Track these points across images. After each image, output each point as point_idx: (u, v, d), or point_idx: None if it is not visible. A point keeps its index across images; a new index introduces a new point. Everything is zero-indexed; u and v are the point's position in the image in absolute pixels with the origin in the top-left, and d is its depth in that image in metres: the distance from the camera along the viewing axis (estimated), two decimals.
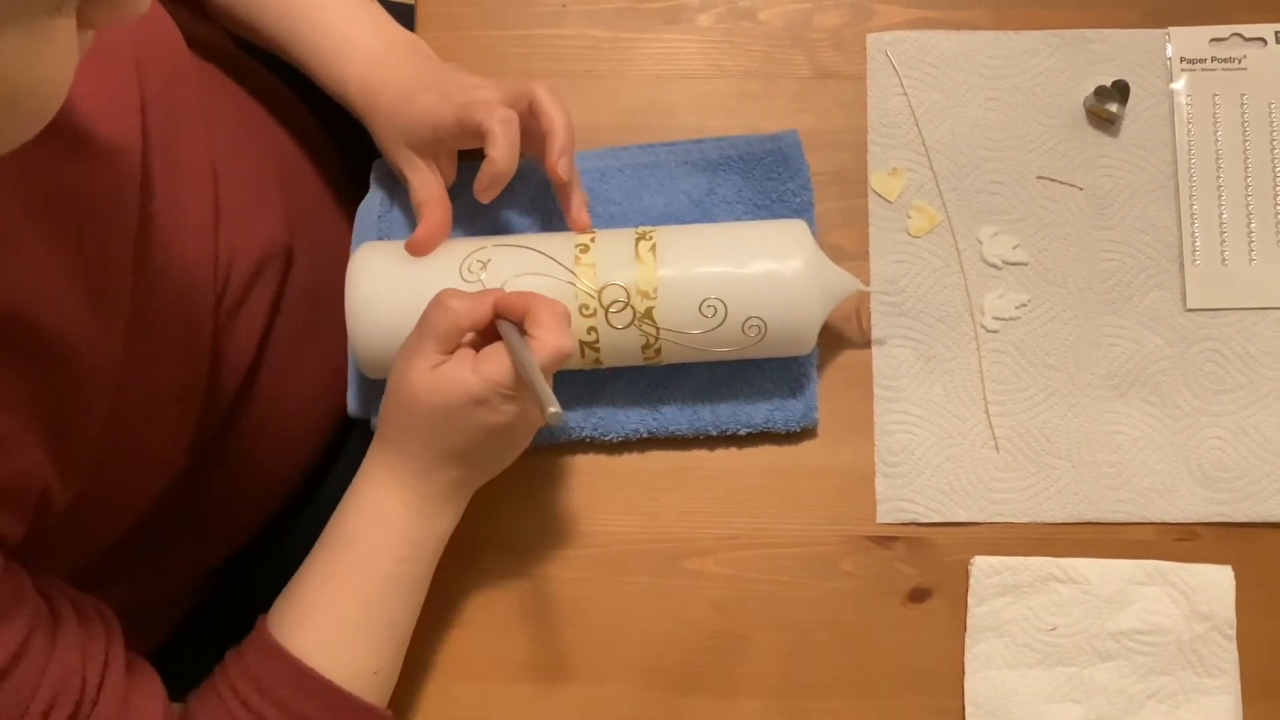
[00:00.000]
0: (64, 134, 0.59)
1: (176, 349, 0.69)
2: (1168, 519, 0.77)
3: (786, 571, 0.77)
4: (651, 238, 0.71)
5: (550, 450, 0.78)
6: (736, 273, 0.70)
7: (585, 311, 0.69)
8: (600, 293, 0.69)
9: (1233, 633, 0.76)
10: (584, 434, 0.77)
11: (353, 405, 0.77)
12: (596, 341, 0.70)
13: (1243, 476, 0.77)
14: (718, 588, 0.77)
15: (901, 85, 0.82)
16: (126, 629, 0.64)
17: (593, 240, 0.71)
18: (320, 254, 0.83)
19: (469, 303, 0.65)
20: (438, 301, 0.65)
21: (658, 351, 0.72)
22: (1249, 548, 0.77)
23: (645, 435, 0.77)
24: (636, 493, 0.78)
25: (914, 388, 0.79)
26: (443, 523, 0.69)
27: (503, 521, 0.78)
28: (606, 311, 0.69)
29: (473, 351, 0.65)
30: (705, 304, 0.70)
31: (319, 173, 0.87)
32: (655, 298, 0.69)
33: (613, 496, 0.78)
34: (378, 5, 0.78)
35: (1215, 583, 0.76)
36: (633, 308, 0.69)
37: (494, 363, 0.63)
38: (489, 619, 0.77)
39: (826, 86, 0.82)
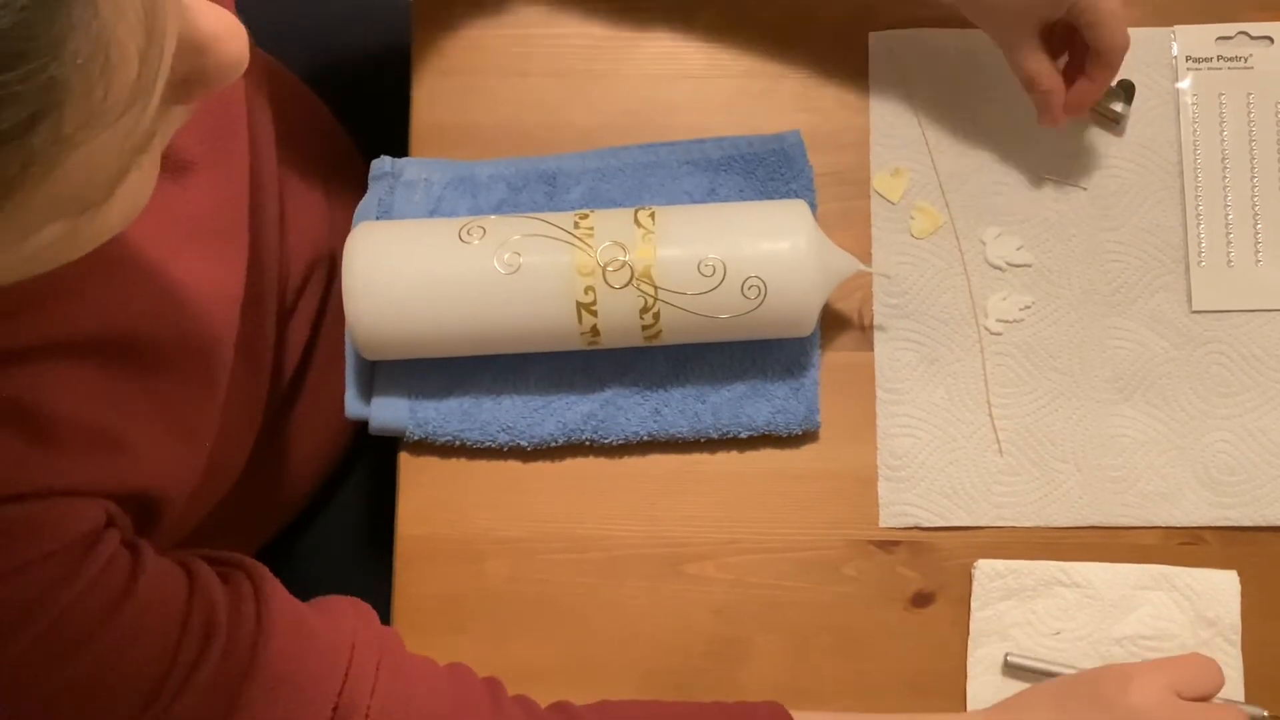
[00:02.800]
0: (173, 162, 0.58)
1: (250, 348, 0.69)
2: (1173, 523, 0.77)
3: (788, 576, 0.77)
4: (650, 209, 0.71)
5: (551, 454, 0.78)
6: (736, 236, 0.70)
7: (583, 270, 0.69)
8: (598, 252, 0.69)
9: (1237, 638, 0.75)
10: (584, 436, 0.76)
11: (351, 407, 0.76)
12: (594, 303, 0.69)
13: (1248, 480, 0.77)
14: (719, 592, 0.77)
15: (904, 85, 0.81)
16: None
17: (592, 211, 0.71)
18: None
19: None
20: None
21: (656, 317, 0.70)
22: (1255, 552, 0.76)
23: (646, 438, 0.77)
24: (637, 497, 0.78)
25: (917, 391, 0.78)
26: None
27: (504, 526, 0.77)
28: (604, 270, 0.69)
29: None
30: (704, 264, 0.69)
31: (349, 175, 0.87)
32: (654, 258, 0.69)
33: (613, 500, 0.78)
34: None
35: (1220, 587, 0.76)
36: (630, 266, 0.69)
37: None
38: (489, 624, 0.77)
39: (828, 86, 0.81)
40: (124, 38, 0.33)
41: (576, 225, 0.70)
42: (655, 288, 0.69)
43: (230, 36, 0.40)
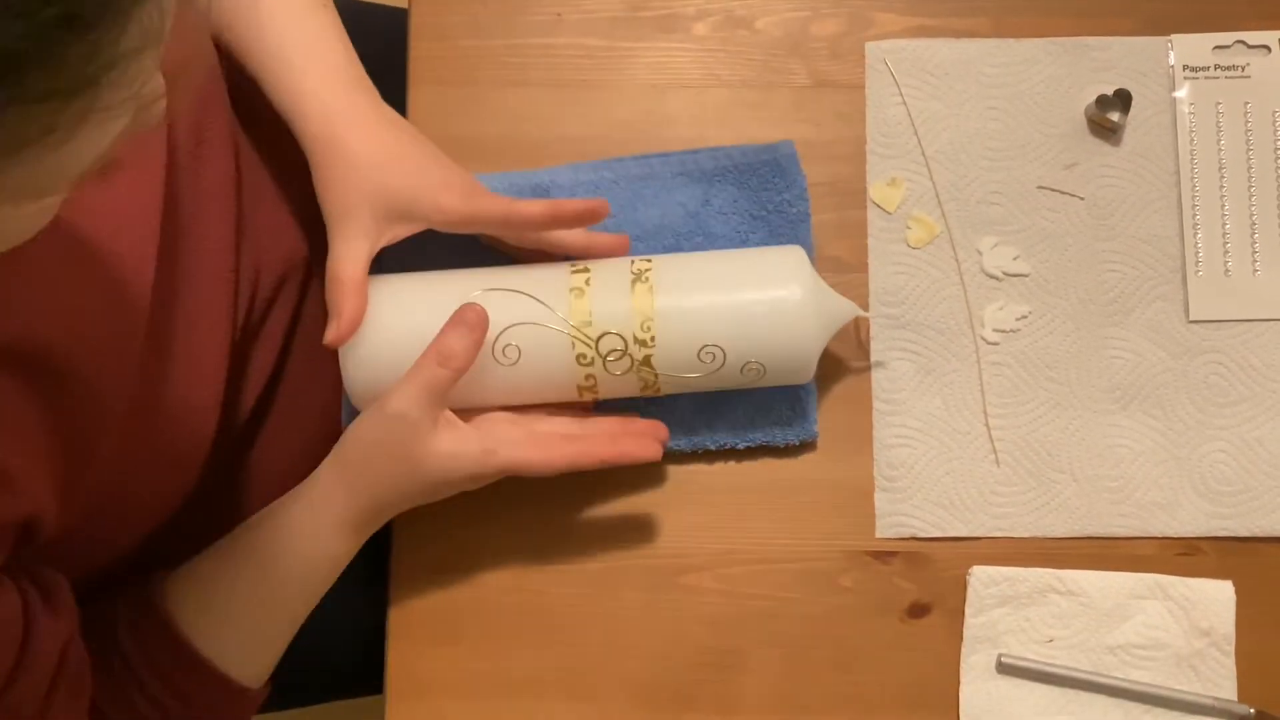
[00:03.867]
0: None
1: (192, 368, 0.68)
2: (1170, 533, 0.77)
3: (784, 587, 0.77)
4: (648, 278, 0.69)
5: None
6: (734, 317, 0.69)
7: (583, 360, 0.69)
8: (597, 342, 0.68)
9: (1231, 649, 0.75)
10: None
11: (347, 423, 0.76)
12: (595, 386, 0.70)
13: (1245, 490, 0.77)
14: (715, 604, 0.77)
15: (900, 94, 0.81)
16: None
17: (587, 282, 0.70)
18: None
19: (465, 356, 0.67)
20: (440, 356, 0.66)
21: (657, 391, 0.72)
22: (1251, 562, 0.76)
23: None
24: (633, 508, 0.77)
25: (913, 401, 0.78)
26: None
27: (497, 537, 0.77)
28: (604, 360, 0.69)
29: (491, 425, 0.70)
30: (704, 350, 0.69)
31: None
32: (653, 346, 0.69)
33: (609, 511, 0.77)
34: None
35: (1215, 598, 0.75)
36: (630, 356, 0.69)
37: (521, 453, 0.68)
38: (483, 635, 0.76)
39: (824, 96, 0.81)
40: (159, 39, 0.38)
41: (572, 308, 0.68)
42: (656, 374, 0.70)
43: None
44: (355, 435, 0.69)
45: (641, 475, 0.77)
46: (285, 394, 0.79)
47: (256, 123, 0.81)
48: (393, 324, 0.69)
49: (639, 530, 0.77)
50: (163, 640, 0.66)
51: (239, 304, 0.73)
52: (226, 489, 0.78)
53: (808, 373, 0.72)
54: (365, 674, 0.83)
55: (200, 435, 0.70)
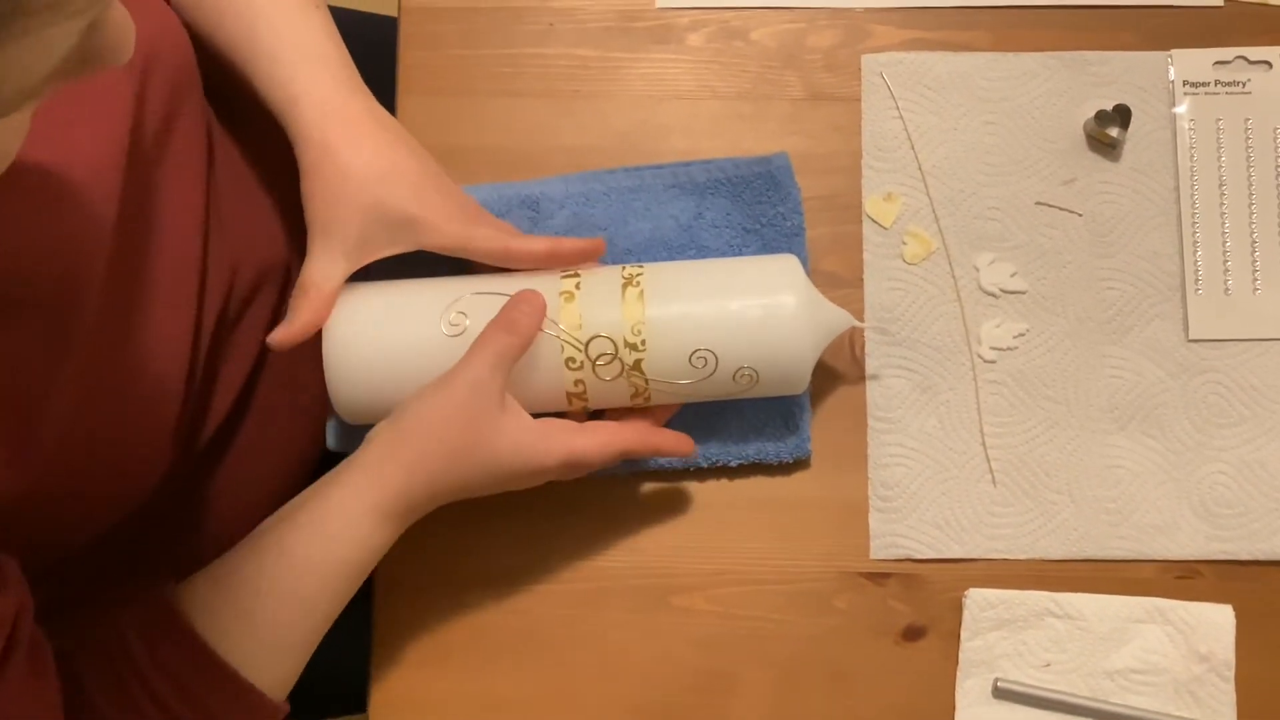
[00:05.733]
0: (47, 124, 0.57)
1: (150, 360, 0.66)
2: (1169, 556, 0.75)
3: (777, 609, 0.75)
4: (639, 283, 0.68)
5: None
6: (727, 322, 0.68)
7: (572, 365, 0.67)
8: (587, 346, 0.67)
9: (1231, 674, 0.74)
10: None
11: (332, 439, 0.75)
12: (584, 393, 0.68)
13: (1246, 513, 0.76)
14: (706, 625, 0.75)
15: (897, 108, 0.80)
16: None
17: (578, 286, 0.68)
18: None
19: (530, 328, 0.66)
20: (508, 323, 0.65)
21: (647, 399, 0.70)
22: (1251, 586, 0.75)
23: (635, 470, 0.75)
24: (623, 526, 0.76)
25: (909, 419, 0.77)
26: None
27: (486, 555, 0.76)
28: (594, 365, 0.67)
29: (542, 418, 0.67)
30: (695, 355, 0.67)
31: None
32: (644, 350, 0.67)
33: (599, 530, 0.76)
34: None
35: (1215, 622, 0.74)
36: (620, 360, 0.67)
37: (578, 440, 0.67)
38: (471, 655, 0.75)
39: (820, 109, 0.80)
40: None
41: (562, 310, 0.67)
42: (646, 380, 0.68)
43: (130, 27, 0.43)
44: (417, 407, 0.65)
45: (632, 492, 0.76)
46: (261, 400, 0.77)
47: (244, 123, 0.80)
48: (381, 330, 0.68)
49: (629, 549, 0.76)
50: (176, 642, 0.61)
51: (208, 297, 0.71)
52: (198, 498, 0.77)
53: (802, 382, 0.70)
54: (347, 694, 0.82)
55: (161, 419, 0.67)
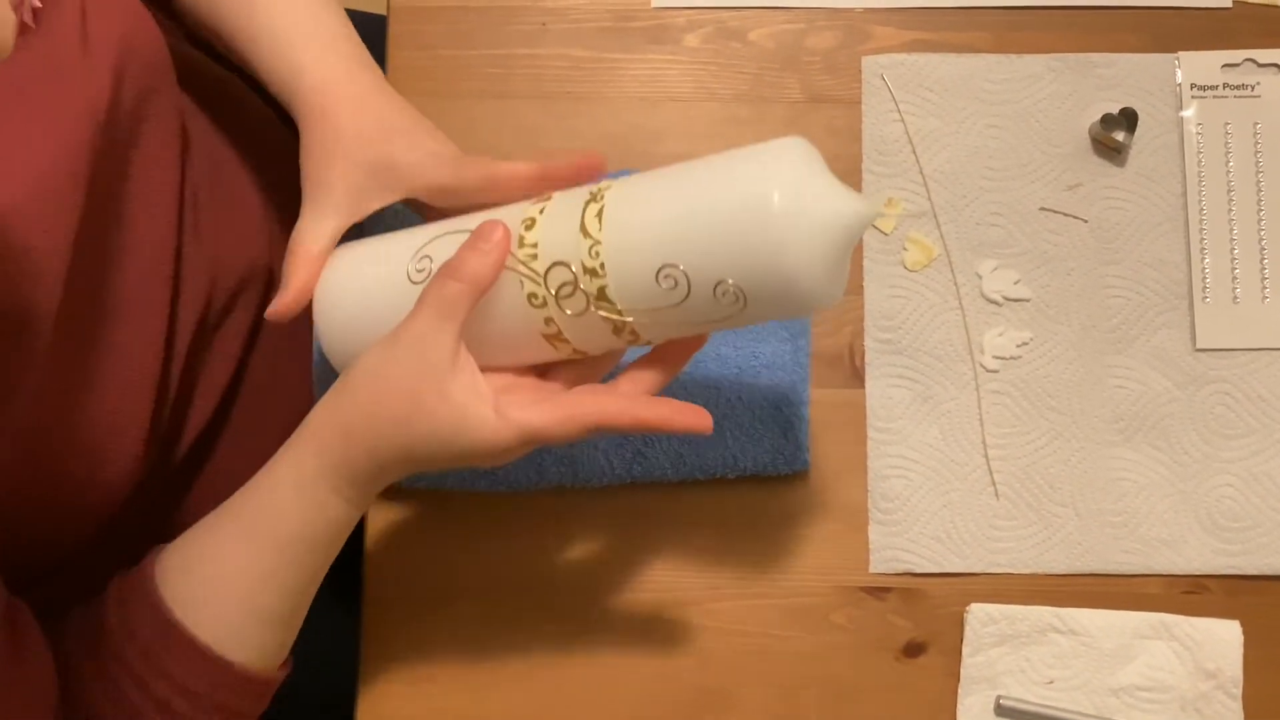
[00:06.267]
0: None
1: (118, 368, 0.65)
2: (1175, 570, 0.74)
3: (775, 624, 0.74)
4: (602, 198, 0.59)
5: (528, 494, 0.75)
6: (691, 227, 0.56)
7: (535, 301, 0.59)
8: (545, 276, 0.58)
9: (1238, 692, 0.73)
10: (565, 480, 0.74)
11: None
12: (560, 333, 0.60)
13: (1254, 527, 0.74)
14: (702, 640, 0.74)
15: (898, 110, 0.78)
16: None
17: (542, 211, 0.60)
18: None
19: (476, 268, 0.59)
20: (448, 269, 0.59)
21: (634, 333, 0.59)
22: (1259, 602, 0.74)
23: (629, 481, 0.74)
24: (618, 540, 0.75)
25: (910, 430, 0.75)
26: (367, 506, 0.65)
27: (477, 569, 0.74)
28: (556, 298, 0.58)
29: (502, 382, 0.61)
30: (662, 274, 0.56)
31: (300, 196, 0.84)
32: (605, 274, 0.57)
33: (593, 543, 0.75)
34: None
35: (1222, 638, 0.73)
36: (583, 291, 0.58)
37: (534, 414, 0.59)
38: (462, 672, 0.74)
39: (819, 111, 0.79)
40: None
41: (522, 240, 0.59)
42: (618, 310, 0.58)
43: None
44: (357, 369, 0.60)
45: (626, 505, 0.75)
46: (242, 410, 0.76)
47: (227, 125, 0.78)
48: (362, 284, 0.65)
49: (623, 563, 0.75)
50: (145, 611, 0.60)
51: (185, 302, 0.70)
52: (184, 502, 0.76)
53: (808, 300, 0.56)
54: (332, 712, 0.80)
55: (130, 426, 0.65)
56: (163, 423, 0.69)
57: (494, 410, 0.59)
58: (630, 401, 0.61)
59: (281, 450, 0.63)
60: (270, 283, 0.78)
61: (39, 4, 0.58)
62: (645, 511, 0.75)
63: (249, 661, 0.61)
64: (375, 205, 0.66)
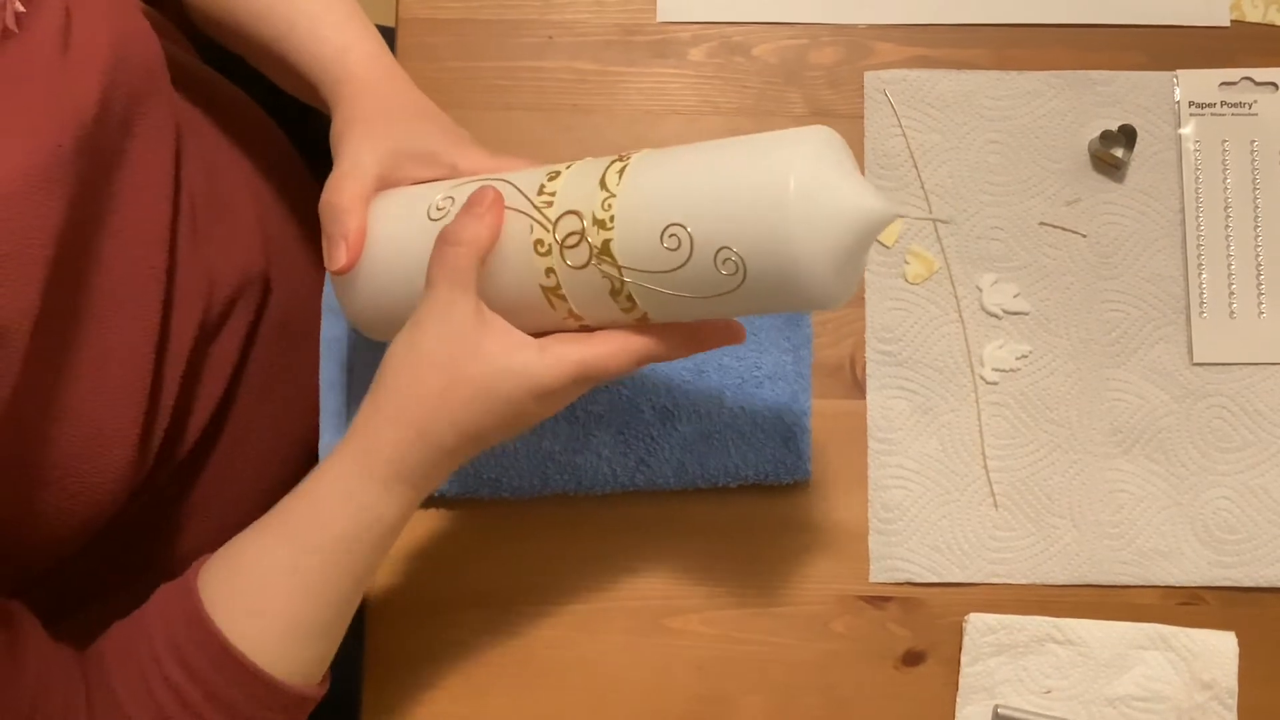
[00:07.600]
0: None
1: (103, 373, 0.64)
2: (1172, 582, 0.75)
3: (775, 632, 0.74)
4: (628, 159, 0.58)
5: (530, 502, 0.75)
6: (705, 193, 0.55)
7: (540, 249, 0.58)
8: (555, 224, 0.58)
9: (1234, 703, 0.73)
10: (568, 488, 0.74)
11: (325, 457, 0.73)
12: (557, 286, 0.59)
13: (1249, 539, 0.75)
14: (702, 648, 0.74)
15: (900, 126, 0.79)
16: None
17: (568, 167, 0.60)
18: (296, 285, 0.80)
19: (474, 232, 0.59)
20: (447, 235, 0.59)
21: (631, 300, 0.58)
22: (1254, 613, 0.74)
23: (631, 489, 0.74)
24: (618, 547, 0.75)
25: (910, 441, 0.76)
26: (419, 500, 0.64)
27: (479, 576, 0.75)
28: (562, 247, 0.57)
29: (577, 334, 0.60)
30: (667, 232, 0.55)
31: (298, 203, 0.84)
32: (612, 228, 0.56)
33: (594, 551, 0.75)
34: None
35: (1218, 650, 0.74)
36: (588, 242, 0.57)
37: (589, 347, 0.58)
38: (463, 678, 0.74)
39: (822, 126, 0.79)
40: None
41: (542, 189, 0.59)
42: (619, 267, 0.56)
43: None
44: (390, 357, 0.60)
45: (628, 513, 0.75)
46: (237, 420, 0.76)
47: (226, 133, 0.79)
48: (379, 227, 0.65)
49: (624, 570, 0.75)
50: (187, 624, 0.59)
51: (181, 307, 0.69)
52: (185, 505, 0.75)
53: (800, 286, 0.54)
54: (337, 717, 0.80)
55: (118, 432, 0.64)
56: (158, 430, 0.69)
57: (539, 351, 0.58)
58: (669, 331, 0.60)
59: (331, 454, 0.62)
60: (266, 290, 0.77)
61: (21, 8, 0.58)
62: (647, 519, 0.75)
63: (288, 675, 0.61)
64: (409, 177, 0.67)
